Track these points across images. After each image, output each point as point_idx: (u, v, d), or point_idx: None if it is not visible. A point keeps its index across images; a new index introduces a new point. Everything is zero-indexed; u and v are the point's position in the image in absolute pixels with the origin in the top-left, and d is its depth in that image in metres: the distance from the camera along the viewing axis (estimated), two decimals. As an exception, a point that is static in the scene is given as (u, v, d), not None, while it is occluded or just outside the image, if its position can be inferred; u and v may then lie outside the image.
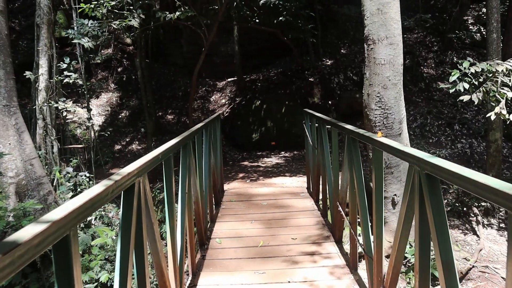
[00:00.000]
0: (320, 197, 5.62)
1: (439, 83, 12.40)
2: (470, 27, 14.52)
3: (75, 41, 6.65)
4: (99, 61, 15.01)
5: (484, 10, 14.46)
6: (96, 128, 12.19)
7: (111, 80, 14.25)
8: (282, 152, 11.04)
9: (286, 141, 11.14)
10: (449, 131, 10.39)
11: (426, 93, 11.81)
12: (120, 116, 12.86)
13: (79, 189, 5.88)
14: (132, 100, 13.41)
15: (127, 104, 13.33)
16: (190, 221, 3.38)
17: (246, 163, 10.14)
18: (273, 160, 10.28)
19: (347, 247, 4.71)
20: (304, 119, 6.13)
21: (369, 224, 3.03)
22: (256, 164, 9.89)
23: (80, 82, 6.95)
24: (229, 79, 14.43)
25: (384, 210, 3.23)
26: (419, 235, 1.89)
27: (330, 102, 11.78)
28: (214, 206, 5.47)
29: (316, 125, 5.21)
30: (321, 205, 5.41)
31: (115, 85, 14.17)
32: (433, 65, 13.05)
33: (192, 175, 3.48)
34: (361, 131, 3.01)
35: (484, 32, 13.89)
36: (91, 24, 6.98)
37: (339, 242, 4.13)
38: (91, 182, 7.77)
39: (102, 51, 15.67)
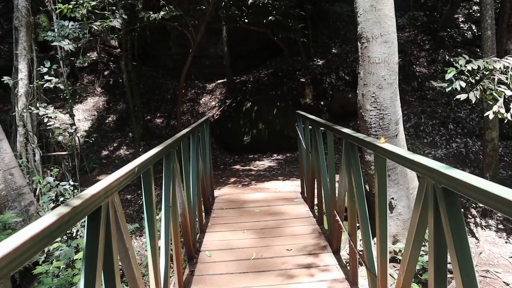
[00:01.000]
0: (316, 202, 5.37)
1: (432, 81, 12.26)
2: (461, 25, 14.42)
3: (54, 43, 6.32)
4: (84, 65, 14.64)
5: (475, 8, 14.38)
6: (82, 133, 11.82)
7: (98, 84, 13.88)
8: (275, 155, 10.78)
9: (278, 143, 10.89)
10: (443, 131, 10.22)
11: (419, 92, 11.65)
12: (107, 121, 12.50)
13: (61, 200, 5.56)
14: (120, 104, 13.05)
15: (114, 108, 12.97)
16: (176, 235, 3.10)
17: (237, 166, 9.87)
18: (265, 163, 10.01)
19: (344, 253, 4.47)
20: (297, 121, 5.88)
21: (370, 236, 2.78)
22: (248, 167, 9.62)
23: (62, 87, 6.62)
24: (218, 81, 14.15)
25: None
26: (435, 258, 1.63)
27: (322, 102, 11.56)
28: (204, 215, 5.19)
29: (310, 127, 4.96)
30: (316, 212, 5.15)
31: (102, 89, 13.80)
32: (425, 63, 12.91)
33: (177, 186, 3.19)
34: (360, 135, 2.76)
35: (475, 30, 13.81)
36: (72, 25, 6.65)
37: (337, 253, 3.88)
38: (76, 191, 7.43)
39: (88, 54, 15.32)
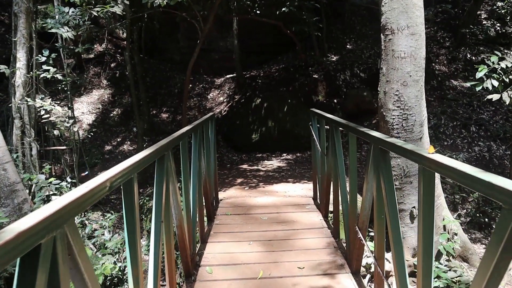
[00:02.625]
0: (331, 209, 4.86)
1: (452, 80, 11.62)
2: (484, 22, 13.70)
3: (53, 30, 5.87)
4: (90, 55, 14.25)
5: (499, 4, 13.64)
6: (86, 127, 11.42)
7: (104, 76, 13.47)
8: (284, 154, 10.26)
9: (288, 142, 10.36)
10: (465, 133, 9.60)
11: (439, 91, 11.02)
12: (111, 115, 12.08)
13: (54, 199, 5.11)
14: (125, 98, 12.62)
15: (120, 102, 12.54)
16: (169, 254, 2.61)
17: (245, 166, 9.37)
18: (274, 163, 9.50)
19: (363, 270, 3.96)
20: (311, 121, 5.35)
21: (405, 266, 2.26)
22: (255, 167, 9.12)
23: (60, 77, 6.18)
24: (227, 76, 13.65)
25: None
26: None
27: (335, 100, 10.99)
28: (206, 221, 4.71)
29: (327, 127, 4.44)
30: (331, 221, 4.64)
31: (108, 81, 13.38)
32: (445, 62, 12.25)
33: (172, 195, 2.71)
34: (396, 141, 2.23)
35: (499, 28, 13.09)
36: (72, 12, 6.19)
37: (356, 274, 3.36)
38: (73, 189, 7.02)
39: (95, 46, 14.93)
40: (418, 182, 1.88)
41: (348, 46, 13.13)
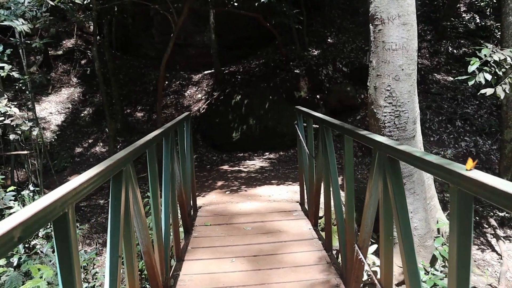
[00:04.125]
0: (320, 215, 4.45)
1: (435, 74, 11.41)
2: (464, 15, 13.58)
3: (5, 23, 5.22)
4: (60, 52, 13.43)
5: (478, -4, 13.52)
6: (54, 128, 10.69)
7: (73, 74, 12.70)
8: (266, 153, 9.82)
9: (271, 141, 9.92)
10: (451, 128, 9.38)
11: (423, 85, 10.76)
12: (82, 114, 11.36)
13: (6, 214, 4.51)
14: (97, 96, 11.89)
15: (91, 101, 11.82)
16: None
17: (225, 167, 8.88)
18: (256, 163, 9.05)
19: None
20: (297, 119, 4.91)
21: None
22: (237, 168, 8.64)
23: (16, 75, 5.53)
24: (205, 72, 13.08)
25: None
26: None
27: (318, 96, 10.60)
28: (183, 235, 4.22)
29: (315, 126, 4.01)
30: (321, 231, 4.22)
31: (78, 79, 12.62)
32: (427, 55, 12.04)
33: (136, 218, 2.21)
34: (414, 150, 1.80)
35: (478, 21, 12.97)
36: (28, 2, 5.55)
37: (355, 297, 2.94)
38: (36, 197, 6.37)
39: (64, 42, 14.09)
40: (450, 208, 1.45)
41: (329, 40, 12.76)
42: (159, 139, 2.95)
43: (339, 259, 3.54)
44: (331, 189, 3.44)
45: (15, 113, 5.18)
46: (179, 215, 4.03)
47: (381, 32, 4.74)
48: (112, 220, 1.84)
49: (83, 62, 13.25)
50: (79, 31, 14.37)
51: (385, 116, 4.86)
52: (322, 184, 3.87)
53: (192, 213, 4.88)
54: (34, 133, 5.78)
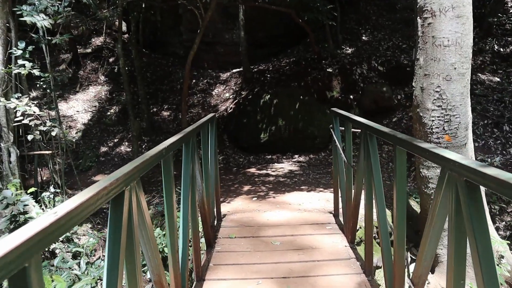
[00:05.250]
0: (358, 231, 3.96)
1: (479, 74, 10.59)
2: (511, 11, 12.61)
3: (26, 18, 5.01)
4: (88, 50, 13.44)
5: (527, -10, 12.52)
6: (80, 126, 10.62)
7: (101, 72, 12.64)
8: (296, 156, 9.35)
9: (301, 143, 9.44)
10: (497, 133, 8.60)
11: (466, 86, 9.99)
12: (108, 113, 11.25)
13: (23, 219, 4.27)
14: (123, 95, 11.75)
15: (118, 99, 11.70)
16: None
17: (253, 170, 8.48)
18: (285, 166, 8.60)
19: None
20: (332, 123, 4.43)
21: None
22: (264, 171, 8.22)
23: (37, 73, 5.32)
24: (234, 70, 12.72)
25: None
26: None
27: (351, 96, 10.03)
28: (205, 249, 3.84)
29: (358, 130, 3.53)
30: (359, 250, 3.74)
31: (106, 77, 12.55)
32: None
33: (146, 244, 1.83)
34: (508, 176, 1.32)
35: (527, 16, 11.99)
36: (51, -3, 5.33)
37: (405, 339, 2.46)
38: (56, 199, 6.18)
39: (93, 40, 14.10)
40: None
41: (363, 38, 12.13)
42: (176, 146, 2.56)
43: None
44: (374, 204, 2.96)
45: (34, 112, 4.96)
46: (200, 228, 3.65)
47: (431, 26, 4.19)
48: (110, 255, 1.45)
49: (111, 60, 13.19)
50: (108, 29, 14.34)
51: (433, 120, 4.31)
52: (363, 196, 3.39)
53: (216, 223, 4.50)
54: (53, 133, 5.57)
